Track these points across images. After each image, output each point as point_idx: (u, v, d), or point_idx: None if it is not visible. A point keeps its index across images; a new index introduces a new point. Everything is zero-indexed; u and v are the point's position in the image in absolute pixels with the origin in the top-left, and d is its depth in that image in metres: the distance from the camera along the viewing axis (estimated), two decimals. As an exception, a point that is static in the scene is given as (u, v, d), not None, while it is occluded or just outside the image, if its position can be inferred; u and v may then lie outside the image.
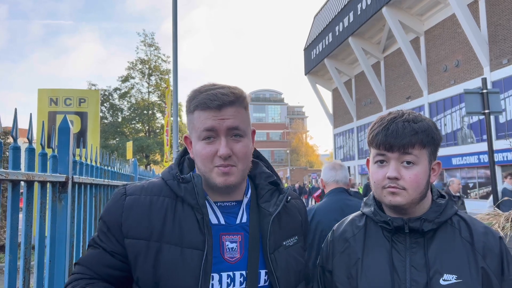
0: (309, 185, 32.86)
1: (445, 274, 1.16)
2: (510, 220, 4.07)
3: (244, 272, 1.16)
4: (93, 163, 2.33)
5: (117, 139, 29.53)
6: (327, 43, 32.92)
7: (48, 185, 1.65)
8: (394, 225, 1.22)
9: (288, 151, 57.58)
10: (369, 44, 29.07)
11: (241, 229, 1.20)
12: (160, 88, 30.03)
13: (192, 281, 1.09)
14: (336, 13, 31.10)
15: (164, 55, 30.37)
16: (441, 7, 22.63)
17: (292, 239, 1.27)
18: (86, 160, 2.17)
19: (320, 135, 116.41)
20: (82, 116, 6.78)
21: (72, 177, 1.84)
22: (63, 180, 1.74)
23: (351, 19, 28.35)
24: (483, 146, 18.02)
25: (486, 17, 19.71)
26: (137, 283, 1.14)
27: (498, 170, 16.85)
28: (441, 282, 1.15)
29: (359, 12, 27.28)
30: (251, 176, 1.29)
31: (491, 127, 7.20)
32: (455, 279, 1.15)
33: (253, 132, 1.27)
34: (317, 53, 35.05)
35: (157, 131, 30.98)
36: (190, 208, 1.16)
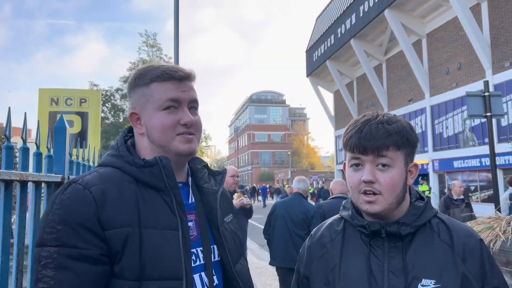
0: (310, 188, 32.81)
1: (423, 279, 1.13)
2: (511, 223, 4.05)
3: (201, 249, 1.21)
4: (91, 164, 2.31)
5: (119, 140, 29.54)
6: (329, 45, 32.91)
7: (43, 185, 1.63)
8: (371, 230, 1.20)
9: (289, 153, 57.56)
10: (371, 46, 29.06)
11: (193, 208, 1.25)
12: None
13: (176, 260, 1.10)
14: (338, 15, 31.10)
15: (166, 56, 30.40)
16: (444, 10, 22.61)
17: (229, 216, 1.37)
18: (83, 160, 2.15)
19: (321, 137, 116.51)
20: (83, 116, 6.77)
21: (68, 178, 1.82)
22: (59, 180, 1.72)
23: (353, 21, 28.34)
24: (485, 149, 17.95)
25: (488, 20, 19.68)
26: (120, 275, 1.05)
27: (499, 173, 16.79)
28: (420, 287, 1.13)
29: (361, 14, 27.27)
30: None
31: (493, 130, 7.17)
32: (433, 284, 1.12)
33: None
34: (319, 55, 35.05)
35: (159, 131, 30.98)
36: (155, 192, 1.14)
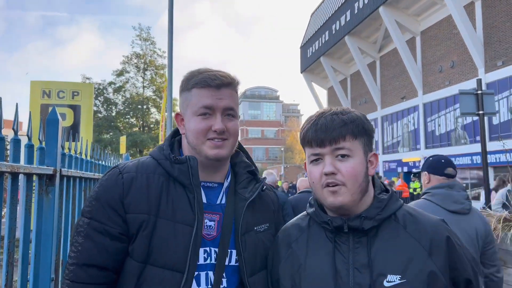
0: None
1: (388, 275, 1.11)
2: (502, 221, 4.10)
3: (216, 249, 1.25)
4: (84, 156, 2.29)
5: (111, 134, 29.39)
6: (323, 41, 32.91)
7: (35, 177, 1.61)
8: (334, 225, 1.17)
9: (282, 149, 57.61)
10: (365, 43, 29.10)
11: (220, 209, 1.29)
12: (155, 83, 29.89)
13: (183, 253, 1.17)
14: (333, 11, 31.08)
15: (160, 49, 30.24)
16: (438, 8, 22.69)
17: (263, 226, 1.37)
18: (75, 153, 2.13)
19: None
20: (75, 109, 6.72)
21: (60, 170, 1.80)
22: (51, 172, 1.70)
23: (348, 18, 28.34)
24: (476, 147, 18.11)
25: (482, 18, 19.78)
26: (131, 255, 1.18)
27: (490, 171, 16.97)
28: (385, 283, 1.10)
29: (356, 11, 27.28)
30: (232, 164, 1.38)
31: (485, 128, 7.23)
32: (399, 279, 1.10)
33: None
34: (313, 51, 35.03)
35: (152, 126, 30.87)
36: (181, 187, 1.24)
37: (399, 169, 26.25)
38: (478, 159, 18.78)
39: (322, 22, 33.38)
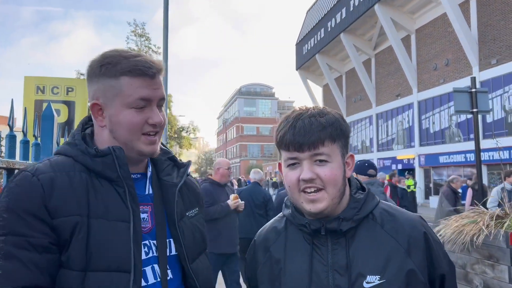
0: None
1: (368, 276, 1.09)
2: (494, 218, 4.13)
3: (154, 242, 1.18)
4: (78, 153, 2.28)
5: (106, 130, 29.25)
6: (319, 38, 32.92)
7: (30, 173, 1.60)
8: (311, 228, 1.14)
9: (277, 146, 57.55)
10: (360, 40, 29.14)
11: (150, 199, 1.21)
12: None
13: (125, 252, 1.07)
14: (329, 8, 31.09)
15: (155, 45, 30.09)
16: (433, 6, 22.76)
17: (193, 210, 1.32)
18: (70, 149, 2.12)
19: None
20: (70, 105, 6.67)
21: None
22: (46, 169, 1.69)
23: (344, 15, 28.36)
24: (470, 145, 18.25)
25: (476, 17, 19.88)
26: (66, 265, 1.03)
27: (484, 169, 17.10)
28: (365, 285, 1.09)
29: (351, 9, 27.30)
30: None
31: (478, 126, 7.28)
32: (378, 279, 1.08)
33: None
34: (309, 48, 35.04)
35: (146, 122, 30.74)
36: (107, 183, 1.12)
37: (394, 167, 26.38)
38: (471, 157, 18.92)
39: (318, 19, 33.37)
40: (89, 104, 1.19)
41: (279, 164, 1.23)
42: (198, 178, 7.54)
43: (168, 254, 1.20)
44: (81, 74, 28.28)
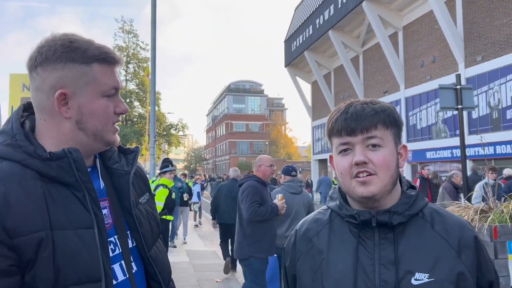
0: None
1: (416, 273, 1.07)
2: (479, 212, 4.22)
3: (117, 236, 1.14)
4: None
5: (93, 128, 28.93)
6: (307, 35, 32.99)
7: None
8: (361, 219, 1.12)
9: (267, 143, 57.74)
10: (349, 38, 29.29)
11: (105, 194, 1.15)
12: (138, 76, 29.53)
13: (94, 260, 1.01)
14: (317, 5, 31.16)
15: (143, 42, 29.86)
16: (420, 3, 22.97)
17: (145, 196, 1.29)
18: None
19: (299, 128, 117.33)
20: (57, 103, 6.61)
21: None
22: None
23: (332, 12, 28.46)
24: (456, 141, 18.46)
25: (462, 14, 20.12)
26: (33, 285, 0.94)
27: (469, 164, 17.37)
28: (413, 281, 1.07)
29: (339, 6, 27.40)
30: None
31: (463, 123, 7.39)
32: (427, 278, 1.06)
33: None
34: (297, 45, 35.10)
35: (135, 120, 30.53)
36: (64, 188, 1.02)
37: (382, 163, 26.60)
38: (458, 152, 19.20)
39: (306, 16, 33.44)
40: (48, 93, 1.04)
41: (330, 157, 1.22)
42: (240, 177, 7.53)
43: (130, 246, 1.17)
44: (68, 71, 27.92)
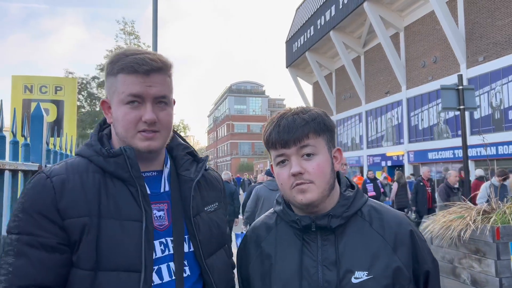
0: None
1: (356, 272, 1.13)
2: (481, 213, 4.21)
3: (171, 239, 1.18)
4: (68, 152, 2.28)
5: (95, 129, 29.00)
6: (308, 36, 32.99)
7: (20, 174, 1.61)
8: (302, 224, 1.18)
9: (268, 144, 57.60)
10: (350, 38, 29.28)
11: (166, 197, 1.22)
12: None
13: (136, 251, 1.08)
14: (318, 6, 31.16)
15: (144, 44, 29.86)
16: (421, 3, 22.95)
17: (213, 205, 1.31)
18: (60, 149, 2.12)
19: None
20: (58, 104, 6.62)
21: (46, 166, 1.79)
22: (36, 169, 1.69)
23: (333, 13, 28.46)
24: (458, 142, 18.45)
25: (464, 14, 20.09)
26: (77, 265, 1.06)
27: (471, 165, 17.32)
28: (353, 280, 1.12)
29: (340, 6, 27.40)
30: (168, 148, 1.30)
31: (465, 123, 7.38)
32: (366, 275, 1.12)
33: (174, 101, 1.26)
34: (299, 46, 35.10)
35: (136, 121, 30.56)
36: (120, 182, 1.13)
37: (383, 163, 26.59)
38: (460, 153, 19.15)
39: (307, 17, 33.44)
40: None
41: (271, 166, 1.26)
42: None
43: (186, 250, 1.19)
44: (70, 72, 27.99)
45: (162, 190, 1.22)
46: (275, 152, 1.19)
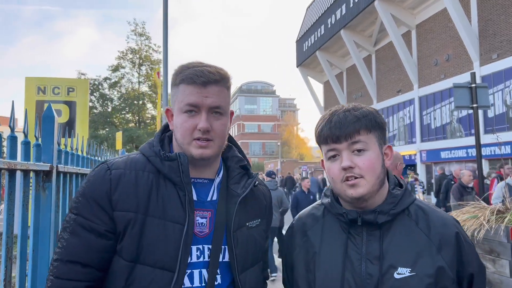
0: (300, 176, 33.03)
1: (399, 268, 1.16)
2: (495, 213, 4.14)
3: (209, 246, 1.24)
4: (80, 153, 2.30)
5: (107, 129, 29.27)
6: (319, 35, 32.85)
7: (32, 174, 1.63)
8: (348, 218, 1.22)
9: (279, 143, 57.68)
10: (361, 37, 29.08)
11: (211, 206, 1.27)
12: (151, 78, 29.76)
13: (173, 252, 1.15)
14: (329, 5, 31.01)
15: (155, 45, 30.07)
16: (433, 1, 22.68)
17: (255, 221, 1.36)
18: (71, 149, 2.14)
19: (311, 128, 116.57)
20: (71, 105, 6.70)
21: (57, 166, 1.81)
22: (47, 169, 1.71)
23: (344, 12, 28.29)
24: (472, 140, 18.19)
25: (477, 12, 19.81)
26: (119, 254, 1.17)
27: (485, 164, 17.08)
28: (395, 275, 1.15)
29: (351, 5, 27.23)
30: (224, 158, 1.36)
31: (479, 122, 7.28)
32: (409, 272, 1.15)
33: (232, 113, 1.33)
34: (309, 45, 34.98)
35: (148, 121, 30.81)
36: (172, 185, 1.21)
37: (395, 163, 26.32)
38: (473, 152, 18.89)
39: (318, 16, 33.31)
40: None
41: (322, 162, 1.31)
42: None
43: (221, 260, 1.24)
44: (82, 74, 28.29)
45: (209, 199, 1.28)
46: (326, 147, 1.23)
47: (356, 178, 1.18)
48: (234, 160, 1.36)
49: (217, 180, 1.32)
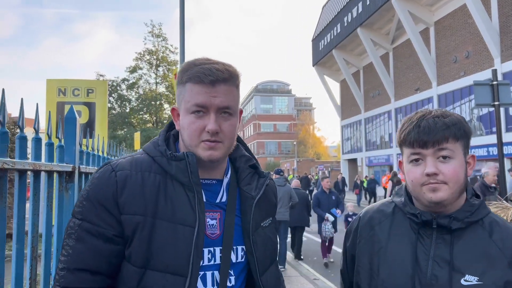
0: (316, 177, 32.83)
1: (467, 275, 1.15)
2: (518, 213, 4.04)
3: (221, 248, 1.20)
4: (100, 153, 2.34)
5: (125, 130, 29.65)
6: (335, 33, 32.62)
7: (55, 174, 1.66)
8: (422, 219, 1.22)
9: (295, 143, 57.46)
10: (378, 35, 28.75)
11: (221, 206, 1.23)
12: (168, 79, 30.03)
13: (184, 256, 1.10)
14: (345, 3, 30.75)
15: (172, 45, 30.34)
16: (452, -3, 22.27)
17: (267, 220, 1.33)
18: (92, 150, 2.18)
19: (327, 127, 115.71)
20: (90, 106, 6.82)
21: (79, 167, 1.85)
22: (70, 170, 1.75)
23: (360, 10, 28.02)
24: (493, 139, 17.81)
25: (497, 7, 19.36)
26: (128, 260, 1.11)
27: (507, 162, 16.69)
28: (462, 282, 1.15)
29: (368, 2, 26.94)
30: (231, 158, 1.31)
31: (500, 119, 7.12)
32: (476, 280, 1.14)
33: (241, 112, 1.26)
34: (325, 44, 34.76)
35: (165, 121, 31.07)
36: (180, 186, 1.16)
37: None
38: (494, 151, 18.48)
39: (334, 14, 33.07)
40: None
41: (400, 162, 1.32)
42: None
43: (234, 261, 1.21)
44: (101, 75, 28.71)
45: (218, 200, 1.24)
46: (410, 150, 1.23)
47: (438, 183, 1.18)
48: (243, 160, 1.31)
49: (226, 180, 1.27)
